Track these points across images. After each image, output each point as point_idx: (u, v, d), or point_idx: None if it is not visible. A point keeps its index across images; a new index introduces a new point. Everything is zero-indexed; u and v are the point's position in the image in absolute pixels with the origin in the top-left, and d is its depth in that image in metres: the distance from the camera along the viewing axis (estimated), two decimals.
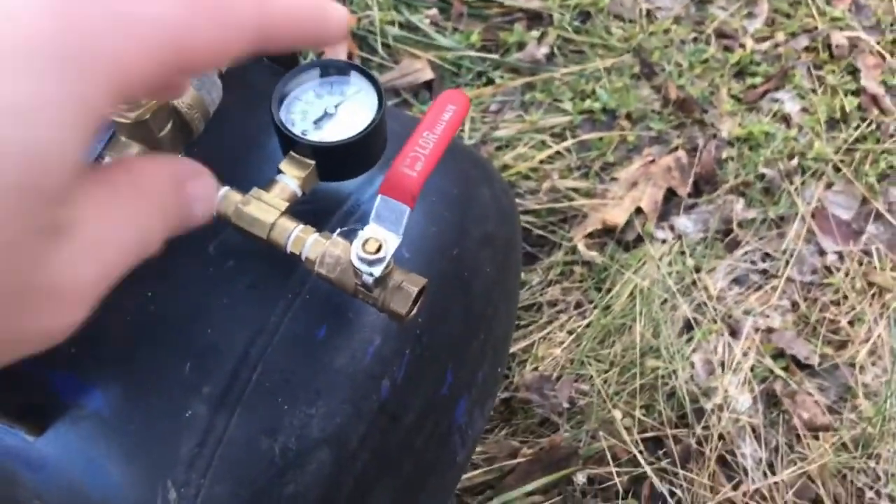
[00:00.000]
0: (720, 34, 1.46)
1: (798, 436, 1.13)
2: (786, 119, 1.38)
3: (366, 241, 0.50)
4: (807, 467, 1.09)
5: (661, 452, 1.12)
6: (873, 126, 1.36)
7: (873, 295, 1.24)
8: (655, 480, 1.09)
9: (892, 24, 1.46)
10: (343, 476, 0.59)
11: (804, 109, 1.39)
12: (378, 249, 0.50)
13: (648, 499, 1.10)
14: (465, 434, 0.75)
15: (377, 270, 0.50)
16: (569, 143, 1.35)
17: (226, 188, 0.55)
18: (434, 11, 1.46)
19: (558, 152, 1.34)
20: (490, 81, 1.40)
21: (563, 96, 1.39)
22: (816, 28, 1.46)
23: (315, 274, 0.54)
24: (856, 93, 1.40)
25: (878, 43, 1.45)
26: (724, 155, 1.34)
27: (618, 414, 1.13)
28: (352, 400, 0.59)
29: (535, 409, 1.13)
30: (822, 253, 1.27)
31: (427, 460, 0.68)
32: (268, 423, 0.57)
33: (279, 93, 0.57)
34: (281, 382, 0.58)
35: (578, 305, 1.23)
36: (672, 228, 1.29)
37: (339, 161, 0.57)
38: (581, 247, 1.26)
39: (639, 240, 1.28)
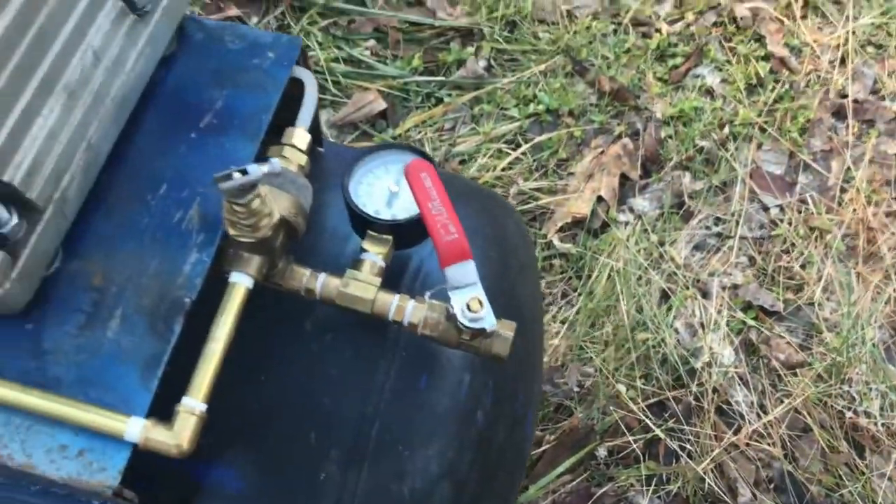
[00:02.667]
0: (636, 23, 1.57)
1: (779, 375, 1.26)
2: (710, 92, 1.51)
3: (469, 302, 0.58)
4: (793, 402, 1.23)
5: (666, 414, 1.23)
6: (787, 86, 1.51)
7: (816, 238, 1.38)
8: (667, 440, 1.21)
9: None
10: (461, 499, 0.68)
11: (724, 80, 1.52)
12: (481, 305, 0.58)
13: (664, 457, 1.21)
14: (530, 440, 0.84)
15: (486, 324, 0.58)
16: (523, 147, 1.44)
17: (323, 274, 0.62)
18: (372, 42, 1.53)
19: (517, 157, 1.43)
20: (439, 101, 1.48)
21: (509, 104, 1.49)
22: (720, 4, 1.59)
23: (419, 335, 0.62)
24: (766, 58, 1.54)
25: (776, 10, 1.59)
26: (663, 134, 1.46)
27: (622, 387, 1.24)
28: (458, 434, 0.67)
29: (549, 398, 1.23)
30: (765, 208, 1.41)
31: (513, 468, 0.77)
32: (394, 469, 0.65)
33: (347, 182, 0.65)
34: (399, 433, 0.65)
35: (565, 295, 1.34)
36: (632, 210, 1.40)
37: (412, 232, 0.65)
38: (555, 241, 1.36)
39: (605, 225, 1.39)
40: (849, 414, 1.22)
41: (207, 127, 0.65)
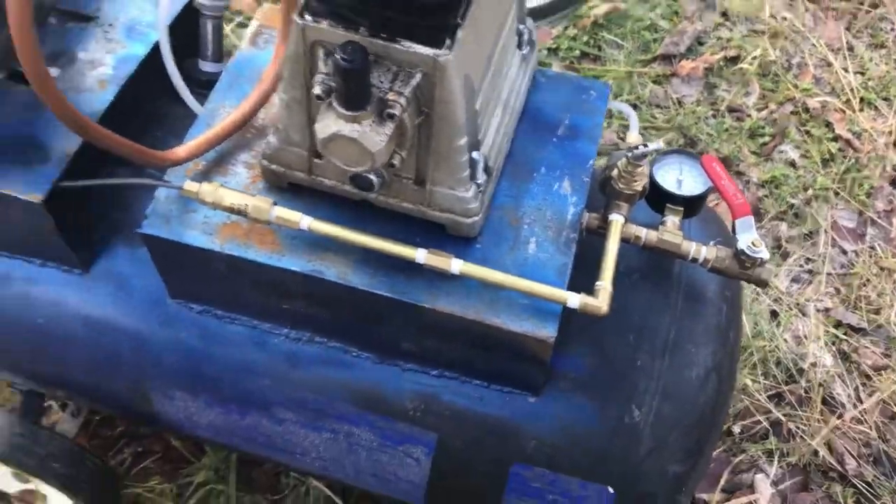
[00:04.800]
0: (731, 109, 1.94)
1: (868, 375, 1.56)
2: (792, 164, 1.86)
3: (753, 241, 0.90)
4: (881, 395, 1.53)
5: (783, 403, 1.53)
6: (853, 160, 1.86)
7: (886, 275, 1.70)
8: (787, 422, 1.50)
9: (843, 89, 1.99)
10: (722, 385, 0.98)
11: (803, 155, 1.87)
12: (760, 243, 0.90)
13: (784, 436, 1.50)
14: None
15: (764, 255, 0.89)
16: None
17: (644, 228, 0.94)
18: None
19: None
20: None
21: None
22: (795, 97, 1.96)
23: (710, 268, 0.93)
24: (834, 139, 1.90)
25: (839, 103, 1.96)
26: (761, 194, 1.81)
27: (749, 381, 1.53)
28: (721, 343, 0.98)
29: None
30: (844, 252, 1.74)
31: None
32: (685, 360, 0.95)
33: (653, 174, 0.97)
34: (687, 337, 0.96)
35: None
36: None
37: (695, 205, 0.97)
38: None
39: None
40: None
41: (562, 135, 0.98)
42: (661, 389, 0.94)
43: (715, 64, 2.00)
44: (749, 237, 0.90)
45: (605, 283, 0.84)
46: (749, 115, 1.93)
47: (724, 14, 2.11)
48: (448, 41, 0.73)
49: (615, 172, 0.89)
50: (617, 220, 0.89)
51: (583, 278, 0.87)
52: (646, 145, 0.84)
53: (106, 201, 1.01)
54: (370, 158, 0.75)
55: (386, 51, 0.73)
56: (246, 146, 0.95)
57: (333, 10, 0.73)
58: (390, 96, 0.73)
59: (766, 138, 1.89)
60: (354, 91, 0.71)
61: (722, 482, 1.43)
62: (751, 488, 1.44)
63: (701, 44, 2.05)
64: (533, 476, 0.98)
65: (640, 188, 0.89)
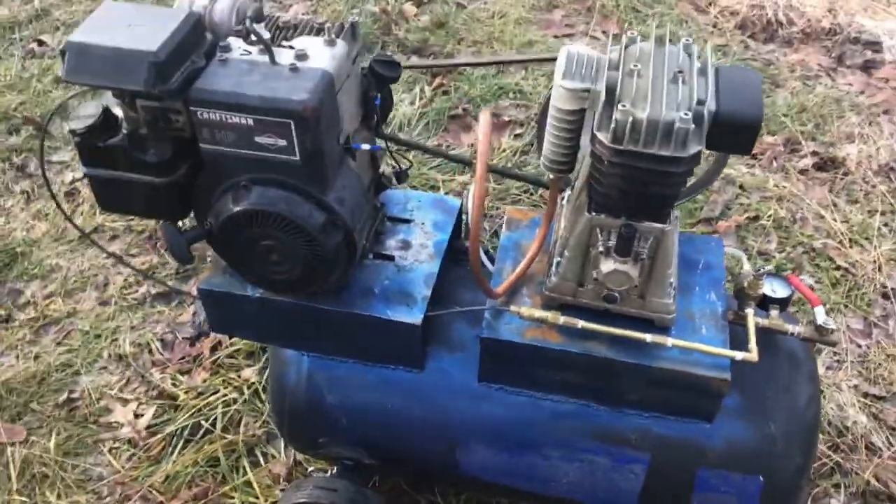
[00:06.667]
0: (760, 253, 2.62)
1: (893, 428, 2.14)
2: (811, 287, 2.52)
3: (826, 318, 1.53)
4: None
5: (839, 450, 2.10)
6: (853, 283, 2.52)
7: (892, 359, 2.32)
8: (844, 463, 2.06)
9: (835, 234, 2.68)
10: (817, 406, 1.57)
11: (817, 281, 2.53)
12: (830, 320, 1.53)
13: (844, 472, 2.06)
14: None
15: (833, 325, 1.52)
16: None
17: (761, 318, 1.57)
18: None
19: None
20: None
21: None
22: (803, 241, 2.65)
23: (801, 338, 1.55)
24: (837, 269, 2.56)
25: (834, 243, 2.65)
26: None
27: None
28: (812, 381, 1.59)
29: None
30: (859, 346, 2.36)
31: None
32: (797, 393, 1.56)
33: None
34: (795, 379, 1.57)
35: None
36: None
37: (786, 303, 1.60)
38: None
39: None
40: None
41: (702, 269, 1.63)
42: (785, 410, 1.54)
43: (742, 223, 2.71)
44: (823, 317, 1.54)
45: (753, 345, 1.46)
46: (774, 257, 2.61)
47: (741, 187, 2.84)
48: (668, 220, 1.39)
49: (746, 284, 1.53)
50: (750, 312, 1.53)
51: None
52: (763, 268, 1.49)
53: (434, 323, 1.64)
54: (631, 282, 1.39)
55: (637, 226, 1.39)
56: (524, 285, 1.59)
57: (608, 209, 1.40)
58: (639, 249, 1.38)
59: (788, 272, 2.56)
60: (627, 247, 1.36)
61: None
62: None
63: (729, 209, 2.77)
64: (712, 476, 1.55)
65: (761, 293, 1.53)
